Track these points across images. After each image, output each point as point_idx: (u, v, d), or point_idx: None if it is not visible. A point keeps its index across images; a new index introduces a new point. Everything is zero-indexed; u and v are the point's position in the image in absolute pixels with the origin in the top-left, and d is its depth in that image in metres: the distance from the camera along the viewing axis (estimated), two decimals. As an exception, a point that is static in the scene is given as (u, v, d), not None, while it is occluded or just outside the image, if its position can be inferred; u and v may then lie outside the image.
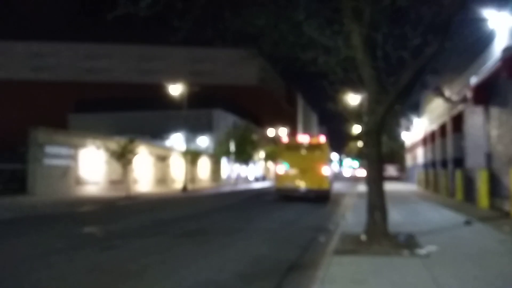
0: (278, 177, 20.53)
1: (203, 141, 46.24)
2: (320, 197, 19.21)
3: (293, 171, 19.61)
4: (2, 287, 5.46)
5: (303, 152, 20.08)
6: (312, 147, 20.23)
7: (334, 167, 57.10)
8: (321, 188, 19.21)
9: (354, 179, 56.58)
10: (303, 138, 21.33)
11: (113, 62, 67.19)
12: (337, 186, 30.36)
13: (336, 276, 5.21)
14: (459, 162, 17.71)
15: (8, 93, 59.73)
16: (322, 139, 21.07)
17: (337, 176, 61.78)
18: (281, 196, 19.88)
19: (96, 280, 5.75)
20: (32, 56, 65.38)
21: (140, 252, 7.58)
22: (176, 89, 32.38)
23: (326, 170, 19.48)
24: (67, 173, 23.74)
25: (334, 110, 7.55)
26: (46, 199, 19.19)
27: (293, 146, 20.54)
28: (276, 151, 46.50)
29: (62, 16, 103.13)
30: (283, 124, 67.79)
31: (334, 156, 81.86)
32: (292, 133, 59.73)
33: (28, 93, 60.29)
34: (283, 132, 53.56)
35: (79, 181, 24.73)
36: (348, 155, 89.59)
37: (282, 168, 20.12)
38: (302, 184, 19.19)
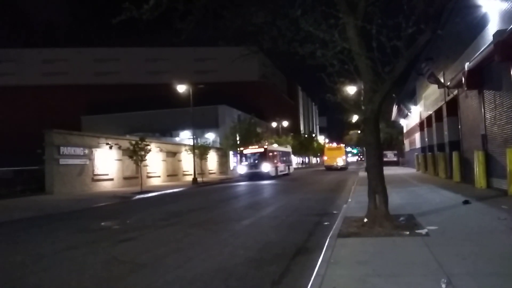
0: (325, 161, 50.74)
1: (210, 136, 47.23)
2: (343, 169, 47.04)
3: (331, 158, 48.95)
4: (28, 280, 5.81)
5: (334, 150, 51.13)
6: (338, 148, 52.61)
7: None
8: (343, 165, 48.48)
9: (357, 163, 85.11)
10: (334, 144, 65.54)
11: (121, 64, 69.67)
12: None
13: (341, 258, 5.44)
14: (455, 144, 18.00)
15: (23, 98, 62.74)
16: (342, 145, 56.63)
17: None
18: (326, 169, 47.91)
19: (112, 270, 6.09)
20: (44, 62, 67.72)
21: (154, 243, 7.93)
22: (182, 88, 33.59)
23: (344, 157, 50.19)
24: (83, 171, 24.73)
25: (333, 101, 7.74)
26: (64, 197, 19.86)
27: (330, 148, 54.69)
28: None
29: (71, 23, 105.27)
30: (285, 116, 68.85)
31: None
32: (330, 142, 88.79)
33: (42, 98, 63.17)
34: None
35: (94, 179, 25.66)
36: (348, 144, 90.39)
37: (327, 157, 49.95)
38: (335, 163, 48.00)
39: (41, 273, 6.12)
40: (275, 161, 36.55)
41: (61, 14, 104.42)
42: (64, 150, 23.31)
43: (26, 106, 62.53)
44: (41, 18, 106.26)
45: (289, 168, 41.92)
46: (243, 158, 35.29)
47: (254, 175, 33.13)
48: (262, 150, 34.76)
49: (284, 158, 41.06)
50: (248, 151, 35.47)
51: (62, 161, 23.15)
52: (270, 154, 35.38)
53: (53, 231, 10.28)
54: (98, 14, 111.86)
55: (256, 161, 34.06)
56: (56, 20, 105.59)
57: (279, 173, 36.74)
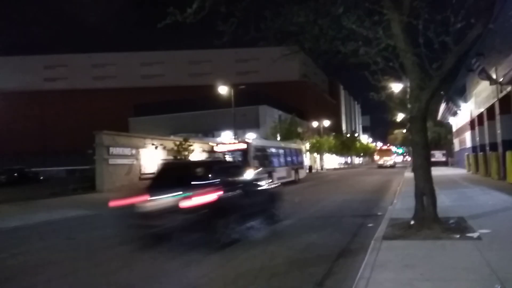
0: (377, 160, 64.31)
1: (251, 136, 47.78)
2: (392, 167, 53.43)
3: (382, 158, 59.41)
4: (80, 275, 6.13)
5: (385, 151, 67.65)
6: (387, 150, 70.79)
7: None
8: (392, 164, 56.27)
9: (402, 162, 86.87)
10: (385, 147, 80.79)
11: (165, 67, 72.40)
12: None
13: (387, 261, 5.27)
14: (509, 144, 17.10)
15: (75, 101, 66.91)
16: (392, 147, 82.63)
17: None
18: (378, 167, 54.82)
19: (160, 265, 6.30)
20: (94, 66, 71.83)
21: (198, 241, 8.04)
22: (224, 89, 34.30)
23: (393, 157, 63.62)
24: (130, 170, 25.82)
25: (376, 99, 7.50)
26: (113, 195, 20.61)
27: (382, 150, 73.06)
28: (322, 143, 58.04)
29: (117, 28, 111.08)
30: (327, 115, 68.42)
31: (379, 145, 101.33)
32: (374, 142, 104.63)
33: (92, 101, 67.15)
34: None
35: (141, 178, 26.75)
36: (392, 143, 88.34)
37: (378, 157, 64.00)
38: (385, 162, 56.03)
39: (93, 269, 6.43)
40: (268, 164, 23.92)
41: (109, 20, 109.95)
42: (113, 150, 24.41)
43: (77, 108, 66.45)
44: (90, 24, 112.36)
45: (297, 173, 28.44)
46: None
47: None
48: (243, 147, 22.56)
49: (288, 160, 28.02)
50: (222, 148, 23.44)
51: (112, 161, 24.27)
52: (258, 153, 23.24)
53: (104, 228, 10.69)
54: (144, 19, 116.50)
55: None
56: (104, 25, 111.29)
57: (277, 181, 20.96)
